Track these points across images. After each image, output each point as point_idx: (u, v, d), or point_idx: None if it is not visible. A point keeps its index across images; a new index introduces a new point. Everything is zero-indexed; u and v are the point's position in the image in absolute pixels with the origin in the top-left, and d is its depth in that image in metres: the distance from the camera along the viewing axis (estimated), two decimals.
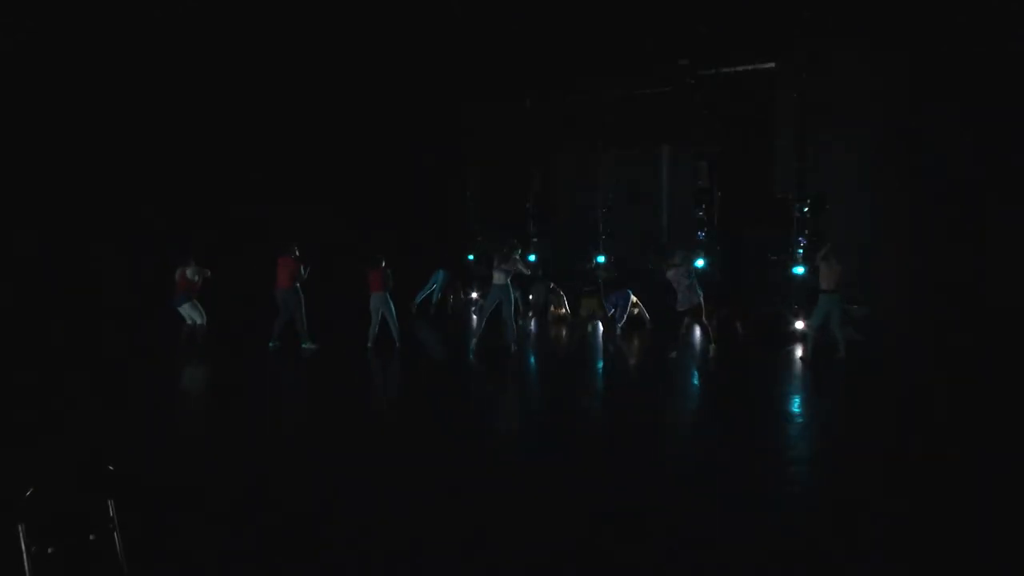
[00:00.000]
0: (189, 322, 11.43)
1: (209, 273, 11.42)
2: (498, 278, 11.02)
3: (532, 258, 16.50)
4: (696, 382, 10.10)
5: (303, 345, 11.43)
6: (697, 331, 12.07)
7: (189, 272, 11.28)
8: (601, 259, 13.50)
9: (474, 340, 11.41)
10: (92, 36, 12.39)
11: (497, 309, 11.13)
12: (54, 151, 12.76)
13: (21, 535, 3.60)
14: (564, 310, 13.57)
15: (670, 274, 10.59)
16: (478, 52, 15.28)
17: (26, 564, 3.60)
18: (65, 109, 12.72)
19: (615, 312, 12.59)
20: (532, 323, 13.59)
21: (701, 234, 14.40)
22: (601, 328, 11.47)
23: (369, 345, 11.44)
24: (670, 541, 5.11)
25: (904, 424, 7.83)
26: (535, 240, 16.50)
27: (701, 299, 10.55)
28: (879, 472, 6.45)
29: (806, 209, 12.59)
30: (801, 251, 12.63)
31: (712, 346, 10.78)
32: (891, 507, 5.63)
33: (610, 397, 9.54)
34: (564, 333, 12.73)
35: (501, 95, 16.80)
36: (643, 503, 5.74)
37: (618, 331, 12.57)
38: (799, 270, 12.40)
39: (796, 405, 9.06)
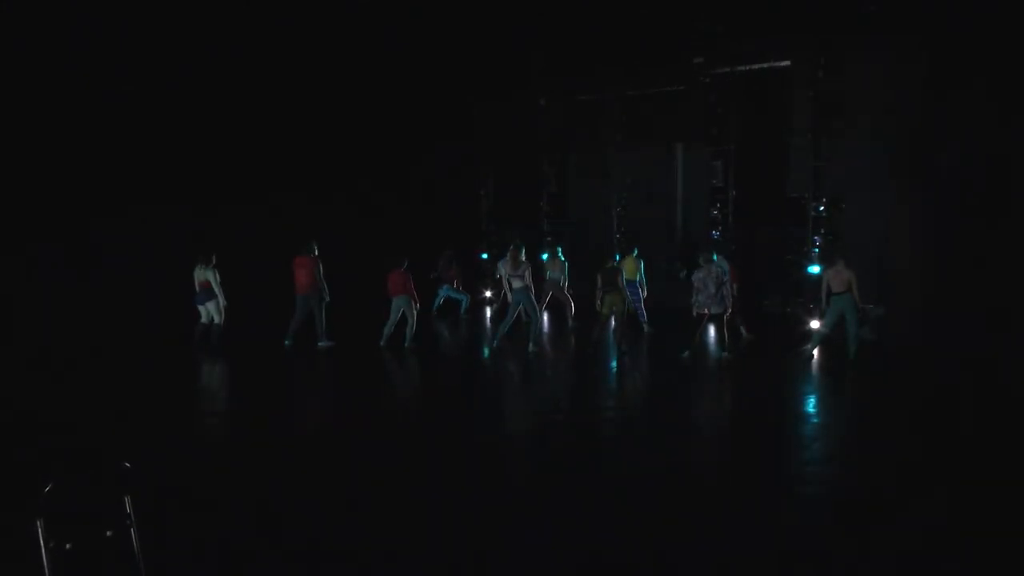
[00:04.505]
0: (206, 320, 11.52)
1: (217, 278, 11.40)
2: (517, 282, 11.16)
3: (545, 257, 16.48)
4: (707, 383, 10.08)
5: (319, 343, 11.49)
6: (711, 333, 12.04)
7: (210, 275, 11.33)
8: (619, 258, 13.42)
9: (499, 334, 11.58)
10: (93, 34, 12.52)
11: (522, 310, 11.45)
12: (61, 148, 12.95)
13: (40, 531, 3.66)
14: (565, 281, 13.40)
15: (697, 276, 10.51)
16: (492, 51, 15.30)
17: (44, 560, 3.66)
18: (71, 107, 12.91)
19: (633, 308, 12.50)
20: (545, 316, 13.59)
21: (715, 233, 14.34)
22: (615, 325, 11.43)
23: (382, 344, 11.50)
24: (679, 541, 5.12)
25: (916, 426, 7.79)
26: (549, 239, 16.49)
27: (727, 307, 10.49)
28: (892, 473, 6.42)
29: (821, 208, 12.51)
30: (817, 250, 12.55)
31: (726, 354, 10.73)
32: (900, 508, 5.60)
33: (618, 398, 9.53)
34: (579, 332, 12.71)
35: (514, 94, 16.80)
36: (653, 507, 5.74)
37: (645, 328, 12.52)
38: (815, 269, 12.32)
39: (807, 406, 9.02)
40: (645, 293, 12.59)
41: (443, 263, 14.55)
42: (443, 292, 14.54)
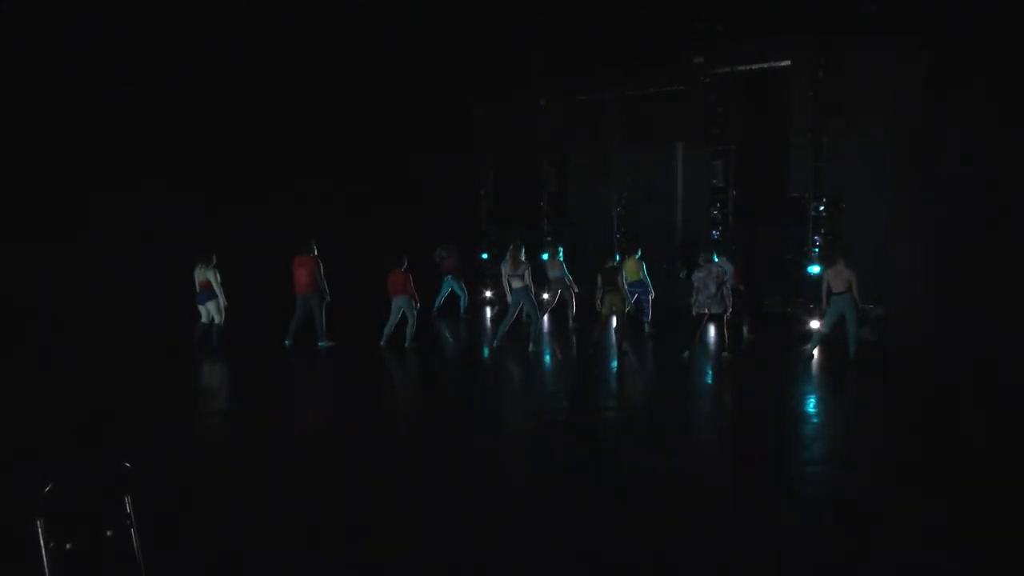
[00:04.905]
0: (206, 320, 11.52)
1: (218, 277, 11.40)
2: (516, 283, 11.17)
3: (545, 256, 16.49)
4: (707, 383, 10.08)
5: (320, 343, 11.48)
6: (711, 333, 12.03)
7: (211, 275, 11.33)
8: (619, 258, 13.43)
9: (500, 334, 11.56)
10: (93, 34, 12.51)
11: (521, 310, 11.45)
12: (61, 147, 12.96)
13: (40, 531, 3.66)
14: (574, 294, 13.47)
15: (698, 275, 10.50)
16: (492, 51, 15.29)
17: (44, 560, 3.66)
18: (71, 107, 12.92)
19: (640, 307, 12.48)
20: (546, 319, 13.60)
21: (715, 233, 14.34)
22: (616, 325, 11.42)
23: (382, 344, 11.49)
24: (679, 541, 5.12)
25: (916, 426, 7.78)
26: (549, 239, 16.48)
27: (728, 307, 10.48)
28: (892, 473, 6.42)
29: (821, 208, 12.52)
30: (817, 250, 12.55)
31: (726, 354, 10.73)
32: (900, 508, 5.61)
33: (618, 398, 9.54)
34: (579, 332, 12.71)
35: (514, 94, 16.80)
36: (653, 507, 5.74)
37: (647, 329, 12.50)
38: (815, 269, 12.33)
39: (807, 406, 9.03)
40: (654, 294, 12.59)
41: (446, 253, 14.41)
42: (447, 283, 14.45)
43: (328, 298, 11.47)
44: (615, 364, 10.75)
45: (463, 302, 14.55)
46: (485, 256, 17.53)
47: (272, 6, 13.29)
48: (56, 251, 12.91)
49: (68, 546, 3.72)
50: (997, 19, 10.39)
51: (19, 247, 12.52)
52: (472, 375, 10.84)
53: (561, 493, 5.95)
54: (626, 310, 11.11)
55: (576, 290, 13.30)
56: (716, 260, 10.77)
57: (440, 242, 14.38)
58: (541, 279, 13.29)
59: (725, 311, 10.50)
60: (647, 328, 12.56)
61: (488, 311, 15.28)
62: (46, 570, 3.67)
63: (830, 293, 10.35)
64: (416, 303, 11.49)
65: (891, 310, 11.66)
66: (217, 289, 11.37)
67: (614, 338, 11.41)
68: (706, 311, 10.47)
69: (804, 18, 12.13)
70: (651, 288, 12.56)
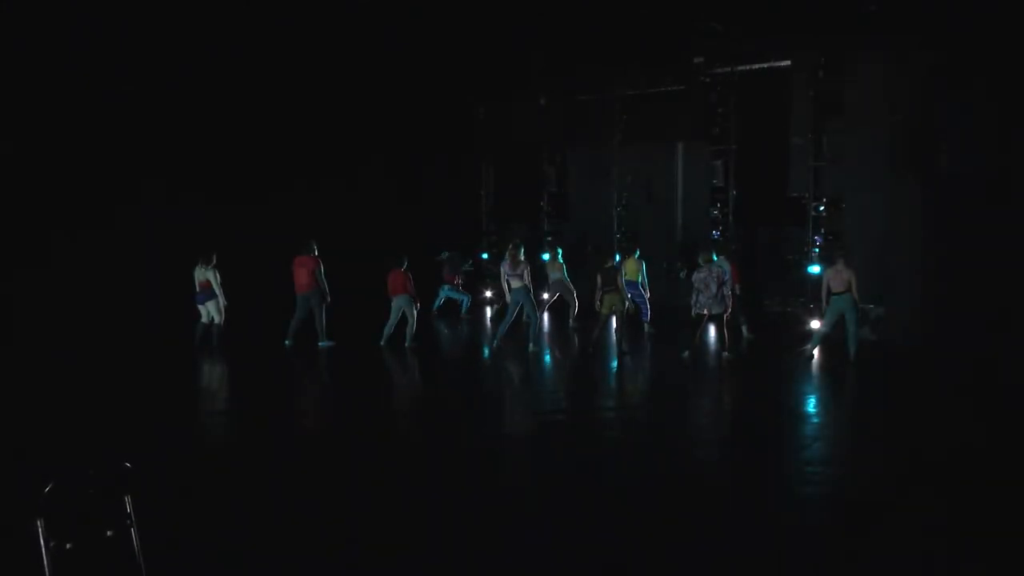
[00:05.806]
0: (206, 320, 11.52)
1: (218, 278, 11.41)
2: (516, 282, 11.15)
3: (546, 257, 16.48)
4: (707, 383, 10.08)
5: (320, 343, 11.49)
6: (711, 333, 12.03)
7: (211, 275, 11.34)
8: (619, 258, 13.42)
9: (499, 334, 11.51)
10: (93, 34, 12.51)
11: (521, 309, 11.39)
12: (61, 147, 12.97)
13: (40, 531, 3.66)
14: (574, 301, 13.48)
15: (698, 276, 10.48)
16: (492, 51, 15.29)
17: (45, 560, 3.66)
18: (71, 106, 12.92)
19: (637, 307, 12.48)
20: (546, 319, 13.59)
21: (715, 233, 14.33)
22: (616, 325, 11.42)
23: (382, 344, 11.49)
24: (679, 541, 5.12)
25: (916, 426, 7.78)
26: (549, 239, 16.49)
27: (727, 307, 10.46)
28: (892, 473, 6.42)
29: (821, 208, 12.52)
30: (817, 250, 12.56)
31: (726, 354, 10.73)
32: (900, 508, 5.61)
33: (619, 398, 9.54)
34: (579, 332, 12.70)
35: (514, 94, 16.79)
36: (653, 507, 5.74)
37: (647, 329, 12.48)
38: (815, 269, 12.33)
39: (807, 406, 9.03)
40: (648, 294, 12.58)
41: (449, 264, 14.48)
42: (444, 292, 14.52)
43: (328, 298, 11.47)
44: (615, 364, 10.75)
45: (464, 304, 14.56)
46: (485, 256, 17.53)
47: (272, 6, 13.28)
48: (56, 251, 12.91)
49: (68, 546, 3.71)
50: (997, 19, 10.38)
51: (19, 247, 12.52)
52: (472, 375, 10.84)
53: (561, 493, 5.95)
54: (626, 310, 11.11)
55: (574, 293, 13.26)
56: (716, 260, 10.77)
57: (446, 249, 14.40)
58: (541, 280, 13.29)
59: (725, 311, 10.50)
60: (647, 328, 12.55)
61: (488, 311, 15.28)
62: (46, 570, 3.67)
63: (830, 293, 10.35)
64: (416, 303, 11.50)
65: (891, 310, 11.67)
66: (217, 289, 11.37)
67: (614, 338, 11.40)
68: (706, 312, 10.46)
69: (804, 18, 12.13)
70: (647, 288, 12.53)
